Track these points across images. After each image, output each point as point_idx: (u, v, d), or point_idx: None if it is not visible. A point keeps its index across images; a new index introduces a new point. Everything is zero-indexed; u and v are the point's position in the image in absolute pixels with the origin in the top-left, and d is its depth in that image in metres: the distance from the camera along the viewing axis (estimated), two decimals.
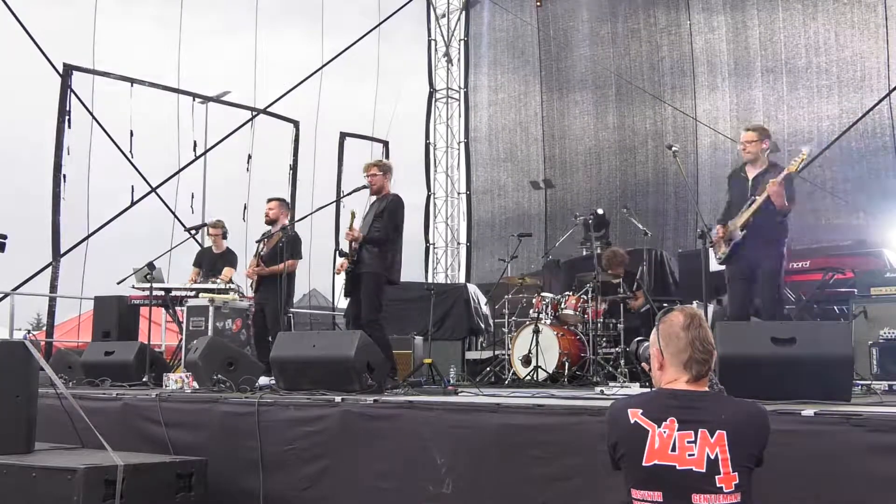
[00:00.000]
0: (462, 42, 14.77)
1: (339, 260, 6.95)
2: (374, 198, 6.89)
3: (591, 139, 13.11)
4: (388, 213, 6.59)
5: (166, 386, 5.81)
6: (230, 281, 8.31)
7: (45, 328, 10.83)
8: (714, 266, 7.99)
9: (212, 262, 8.60)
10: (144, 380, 6.42)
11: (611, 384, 6.66)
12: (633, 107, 12.63)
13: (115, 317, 8.59)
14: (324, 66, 10.32)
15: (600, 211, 10.26)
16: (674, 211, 12.10)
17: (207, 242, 9.16)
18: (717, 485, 2.33)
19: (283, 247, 7.35)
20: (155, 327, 9.23)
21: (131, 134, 10.39)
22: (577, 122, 13.28)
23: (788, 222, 5.99)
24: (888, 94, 9.79)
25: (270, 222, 7.97)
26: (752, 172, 6.10)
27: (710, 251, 6.34)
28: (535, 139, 13.74)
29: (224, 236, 8.74)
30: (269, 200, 8.11)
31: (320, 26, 12.44)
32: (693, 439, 2.38)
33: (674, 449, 2.39)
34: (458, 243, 14.76)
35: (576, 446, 3.53)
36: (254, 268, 7.88)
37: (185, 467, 4.26)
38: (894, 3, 10.28)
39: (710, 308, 6.62)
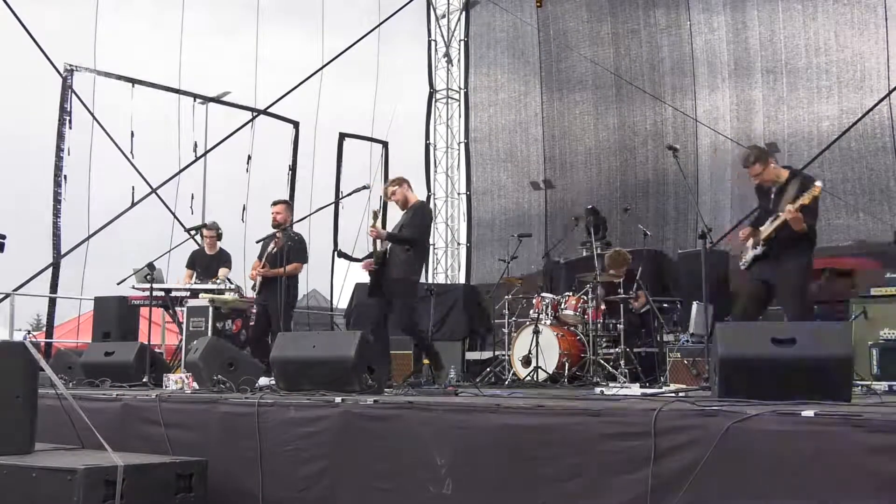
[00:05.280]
0: (462, 42, 14.76)
1: (347, 260, 7.02)
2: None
3: (591, 139, 13.10)
4: (412, 216, 6.67)
5: (166, 386, 5.81)
6: (229, 280, 8.31)
7: (45, 329, 10.84)
8: None
9: (206, 264, 8.59)
10: (144, 380, 6.42)
11: (611, 384, 6.66)
12: (633, 107, 12.63)
13: (115, 317, 8.60)
14: (324, 66, 10.30)
15: (589, 206, 10.26)
16: (674, 211, 12.10)
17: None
18: None
19: (289, 249, 7.35)
20: (155, 327, 9.23)
21: (132, 134, 10.40)
22: (577, 122, 13.27)
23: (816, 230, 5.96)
24: (888, 95, 9.79)
25: (278, 226, 7.90)
26: (774, 186, 6.05)
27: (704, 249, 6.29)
28: (535, 139, 13.73)
29: (218, 238, 8.74)
30: (276, 203, 8.06)
31: (320, 26, 12.44)
32: None
33: None
34: (458, 244, 14.77)
35: (576, 446, 3.52)
36: (258, 269, 7.87)
37: (185, 468, 4.26)
38: (894, 4, 10.27)
39: (710, 308, 6.61)
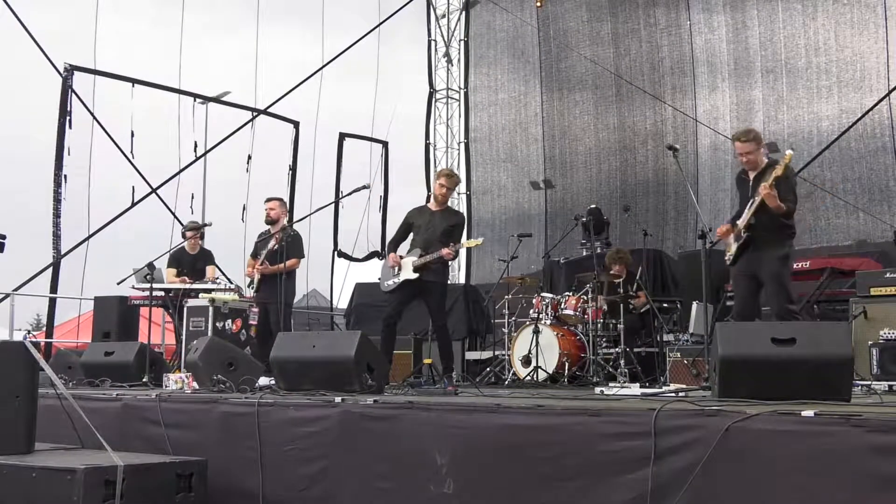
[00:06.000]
0: (462, 42, 14.76)
1: (347, 260, 7.15)
2: (432, 205, 7.06)
3: (591, 139, 13.11)
4: (458, 231, 6.80)
5: (166, 386, 5.81)
6: (228, 280, 8.33)
7: (45, 329, 10.83)
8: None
9: (191, 263, 8.59)
10: (144, 380, 6.42)
11: (611, 384, 6.66)
12: (633, 107, 12.63)
13: (115, 317, 8.60)
14: (324, 66, 10.30)
15: (594, 206, 10.27)
16: (674, 211, 12.10)
17: (204, 242, 9.14)
18: None
19: (285, 245, 7.37)
20: (155, 327, 9.23)
21: (132, 134, 10.40)
22: (577, 122, 13.27)
23: (794, 223, 5.98)
24: (888, 94, 9.79)
25: (271, 222, 7.97)
26: (752, 174, 6.09)
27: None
28: (535, 139, 13.74)
29: (201, 237, 8.77)
30: (269, 200, 8.11)
31: (320, 26, 12.44)
32: None
33: None
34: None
35: (576, 446, 3.52)
36: (255, 267, 7.88)
37: (185, 467, 4.26)
38: (894, 3, 10.27)
39: (710, 308, 6.61)
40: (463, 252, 14.60)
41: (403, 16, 11.05)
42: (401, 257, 6.88)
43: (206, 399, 5.04)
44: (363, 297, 10.81)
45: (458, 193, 14.72)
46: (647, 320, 8.45)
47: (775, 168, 5.74)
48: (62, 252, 9.72)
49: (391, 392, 5.29)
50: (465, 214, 14.53)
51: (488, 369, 8.61)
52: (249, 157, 11.57)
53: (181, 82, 11.34)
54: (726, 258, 6.13)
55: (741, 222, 5.95)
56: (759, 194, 5.76)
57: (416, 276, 6.67)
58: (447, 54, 14.71)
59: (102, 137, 10.26)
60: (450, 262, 6.98)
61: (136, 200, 9.91)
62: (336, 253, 12.94)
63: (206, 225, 9.11)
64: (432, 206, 7.05)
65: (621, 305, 8.01)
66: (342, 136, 13.13)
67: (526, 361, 7.81)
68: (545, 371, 7.59)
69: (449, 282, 13.86)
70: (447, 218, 6.89)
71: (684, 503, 3.19)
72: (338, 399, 4.47)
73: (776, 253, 5.84)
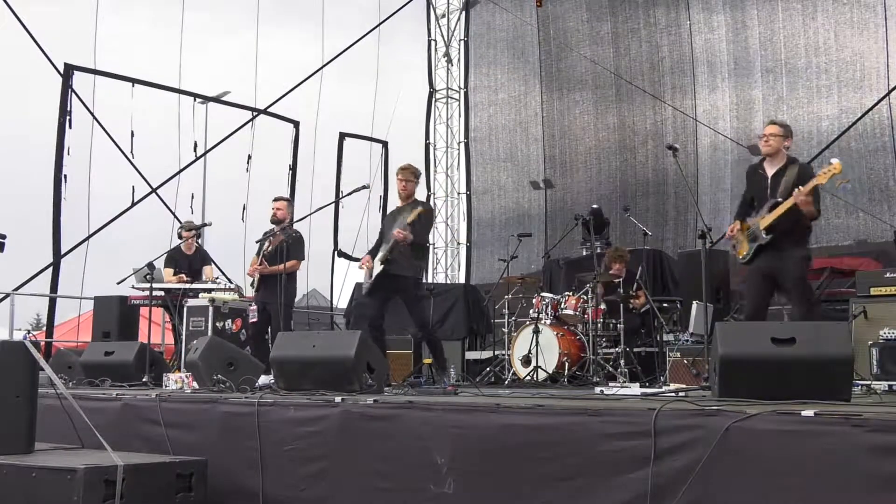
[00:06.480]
0: (462, 42, 14.77)
1: (347, 260, 7.16)
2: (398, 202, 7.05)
3: (591, 139, 13.12)
4: (421, 221, 6.74)
5: (166, 386, 5.81)
6: (228, 280, 8.33)
7: (45, 328, 10.84)
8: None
9: (187, 263, 8.60)
10: (144, 380, 6.42)
11: (611, 384, 6.66)
12: (633, 107, 12.64)
13: (115, 317, 8.60)
14: (324, 66, 10.35)
15: (595, 206, 10.27)
16: (674, 211, 12.11)
17: (203, 242, 9.15)
18: None
19: (287, 247, 7.36)
20: (155, 327, 9.23)
21: (132, 134, 10.41)
22: (577, 122, 13.28)
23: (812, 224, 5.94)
24: (888, 94, 9.80)
25: (277, 222, 7.93)
26: (770, 169, 5.89)
27: (729, 249, 6.19)
28: (535, 139, 13.75)
29: (197, 237, 8.78)
30: (277, 200, 8.08)
31: (320, 26, 12.45)
32: None
33: None
34: (458, 243, 14.77)
35: (576, 446, 3.52)
36: (256, 266, 7.88)
37: (185, 467, 4.26)
38: (894, 3, 10.28)
39: (710, 308, 6.60)
40: (462, 252, 14.65)
41: (403, 16, 11.09)
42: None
43: (206, 399, 5.04)
44: (363, 297, 10.80)
45: (459, 193, 14.77)
46: (647, 320, 8.45)
47: (818, 175, 5.58)
48: (62, 252, 9.73)
49: (391, 392, 5.29)
50: (466, 214, 14.60)
51: (488, 369, 8.60)
52: (249, 157, 11.58)
53: (181, 82, 11.36)
54: (740, 259, 5.99)
55: (763, 222, 5.75)
56: (782, 195, 5.62)
57: (381, 267, 6.69)
58: (447, 54, 14.72)
59: (102, 137, 10.28)
60: (420, 255, 6.92)
61: (136, 200, 9.98)
62: (336, 253, 12.96)
63: (204, 225, 9.11)
64: (399, 203, 7.06)
65: (621, 305, 8.01)
66: (342, 136, 13.14)
67: (526, 361, 7.81)
68: (545, 371, 7.59)
69: (448, 281, 13.98)
70: (409, 209, 6.87)
71: (684, 503, 3.19)
72: (338, 399, 4.46)
73: (797, 254, 5.72)
